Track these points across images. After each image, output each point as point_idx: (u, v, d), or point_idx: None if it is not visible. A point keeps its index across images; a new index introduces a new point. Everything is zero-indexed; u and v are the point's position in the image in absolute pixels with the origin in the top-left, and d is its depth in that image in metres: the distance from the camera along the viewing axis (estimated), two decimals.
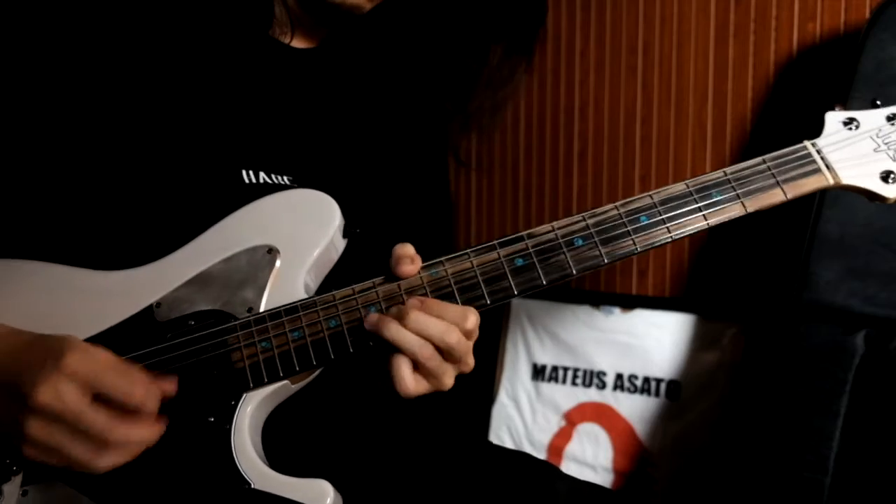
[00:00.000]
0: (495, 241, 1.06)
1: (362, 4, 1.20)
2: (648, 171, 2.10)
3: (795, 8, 1.90)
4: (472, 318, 1.03)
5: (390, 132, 1.34)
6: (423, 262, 1.06)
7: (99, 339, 1.06)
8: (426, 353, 1.01)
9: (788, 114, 1.91)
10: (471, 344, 1.06)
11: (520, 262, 1.05)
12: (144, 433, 0.98)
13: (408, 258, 1.05)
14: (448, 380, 1.05)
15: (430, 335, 1.01)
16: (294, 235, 1.09)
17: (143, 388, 0.97)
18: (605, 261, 1.06)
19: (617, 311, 2.11)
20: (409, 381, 1.02)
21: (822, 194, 1.71)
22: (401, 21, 1.32)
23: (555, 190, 2.27)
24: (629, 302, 2.11)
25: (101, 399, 0.96)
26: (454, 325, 1.02)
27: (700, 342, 2.01)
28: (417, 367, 1.02)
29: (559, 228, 1.07)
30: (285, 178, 1.19)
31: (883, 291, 1.68)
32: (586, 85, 2.20)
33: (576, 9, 2.18)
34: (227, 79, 1.19)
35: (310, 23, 1.25)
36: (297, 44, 1.26)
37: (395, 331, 1.01)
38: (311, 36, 1.27)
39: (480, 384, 2.24)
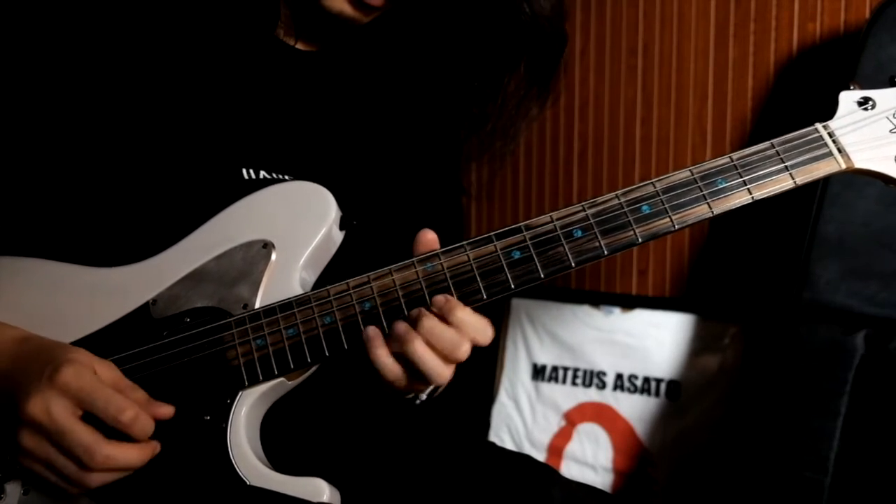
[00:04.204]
0: (492, 233, 1.04)
1: (359, 18, 1.19)
2: (648, 171, 2.10)
3: (795, 8, 1.90)
4: (490, 333, 1.02)
5: (397, 136, 1.33)
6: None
7: (96, 337, 1.07)
8: (424, 361, 1.00)
9: (788, 114, 1.91)
10: None
11: (517, 254, 1.02)
12: (131, 456, 0.98)
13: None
14: (447, 376, 1.04)
15: (440, 347, 1.00)
16: (289, 229, 1.08)
17: (134, 411, 0.98)
18: (606, 252, 1.02)
19: (617, 311, 2.11)
20: (393, 371, 1.02)
21: (823, 193, 1.71)
22: (407, 35, 1.31)
23: (555, 190, 2.27)
24: (629, 302, 2.10)
25: (92, 417, 0.97)
26: (468, 338, 1.01)
27: (700, 342, 2.00)
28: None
29: (558, 219, 1.04)
30: (286, 176, 1.19)
31: (883, 291, 1.67)
32: (586, 85, 2.19)
33: (576, 9, 2.18)
34: (230, 77, 1.19)
35: (313, 29, 1.25)
36: (302, 46, 1.26)
37: (381, 354, 1.01)
38: (316, 40, 1.27)
39: (480, 384, 2.24)
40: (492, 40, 1.27)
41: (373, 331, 1.01)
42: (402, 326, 1.00)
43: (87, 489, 0.99)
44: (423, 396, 1.16)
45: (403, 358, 1.00)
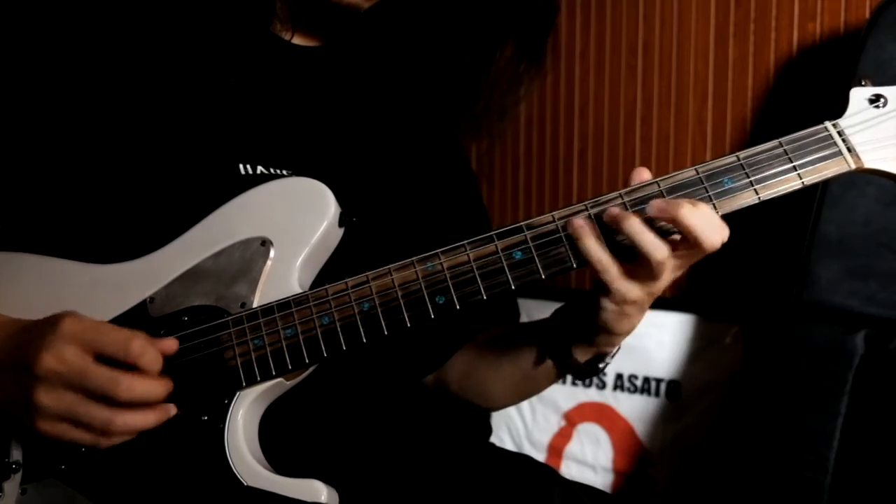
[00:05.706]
0: (493, 233, 1.02)
1: (360, 4, 1.19)
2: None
3: (795, 8, 1.90)
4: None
5: (394, 129, 1.33)
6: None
7: None
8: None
9: (788, 114, 1.91)
10: None
11: (518, 255, 1.01)
12: (150, 387, 0.99)
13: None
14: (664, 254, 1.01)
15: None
16: (288, 226, 1.07)
17: (142, 342, 0.98)
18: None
19: None
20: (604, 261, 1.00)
21: (824, 194, 1.71)
22: (403, 20, 1.31)
23: (555, 189, 2.27)
24: None
25: (103, 360, 0.98)
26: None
27: (700, 342, 2.00)
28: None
29: (560, 219, 1.02)
30: (284, 171, 1.18)
31: (883, 291, 1.67)
32: (586, 85, 2.19)
33: (576, 9, 2.18)
34: (226, 73, 1.19)
35: (310, 21, 1.25)
36: (299, 41, 1.26)
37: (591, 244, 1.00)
38: (313, 34, 1.28)
39: None
40: (484, 11, 1.28)
41: (579, 222, 1.00)
42: (614, 210, 1.00)
43: (115, 435, 0.99)
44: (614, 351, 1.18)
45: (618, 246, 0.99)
